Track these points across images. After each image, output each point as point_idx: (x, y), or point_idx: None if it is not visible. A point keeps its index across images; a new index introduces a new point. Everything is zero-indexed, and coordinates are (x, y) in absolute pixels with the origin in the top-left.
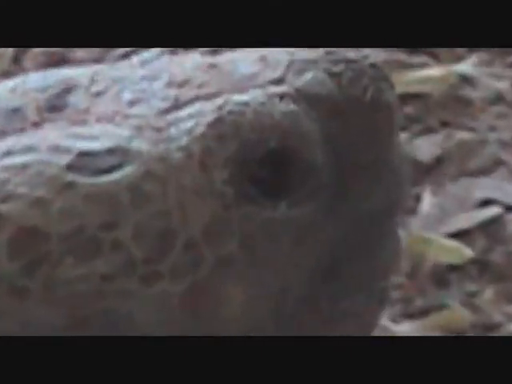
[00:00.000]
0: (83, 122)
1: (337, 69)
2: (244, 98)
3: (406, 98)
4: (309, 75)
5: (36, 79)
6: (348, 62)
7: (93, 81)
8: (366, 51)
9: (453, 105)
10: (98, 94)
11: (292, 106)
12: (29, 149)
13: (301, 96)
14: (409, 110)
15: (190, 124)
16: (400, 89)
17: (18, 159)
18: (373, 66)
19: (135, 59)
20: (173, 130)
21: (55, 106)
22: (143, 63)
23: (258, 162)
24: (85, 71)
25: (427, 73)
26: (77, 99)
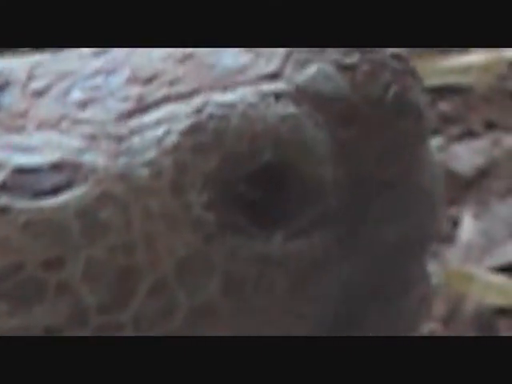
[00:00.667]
0: (19, 129)
1: (349, 60)
2: (229, 97)
3: (441, 92)
4: (313, 68)
5: None
6: (364, 51)
7: (31, 75)
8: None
9: (500, 101)
10: (39, 93)
11: (291, 108)
12: None
13: (303, 95)
14: (444, 107)
15: (158, 132)
16: (433, 81)
17: None
18: (396, 56)
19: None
20: (136, 140)
21: None
22: (97, 53)
23: (246, 180)
24: (21, 63)
25: (468, 60)
26: (11, 99)
